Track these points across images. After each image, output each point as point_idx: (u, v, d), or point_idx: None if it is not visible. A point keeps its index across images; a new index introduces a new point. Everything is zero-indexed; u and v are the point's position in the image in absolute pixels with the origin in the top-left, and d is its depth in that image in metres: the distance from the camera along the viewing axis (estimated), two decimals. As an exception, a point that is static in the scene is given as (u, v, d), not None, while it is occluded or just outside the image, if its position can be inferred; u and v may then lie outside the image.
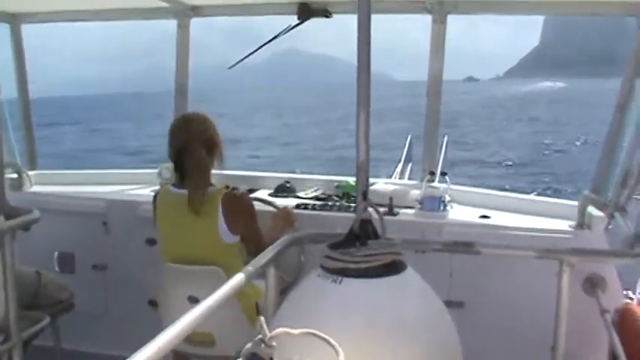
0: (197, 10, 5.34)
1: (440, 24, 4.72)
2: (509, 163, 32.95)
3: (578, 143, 40.66)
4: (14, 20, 5.56)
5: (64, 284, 4.24)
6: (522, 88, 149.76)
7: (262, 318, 1.65)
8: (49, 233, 4.40)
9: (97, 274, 4.93)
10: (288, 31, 5.08)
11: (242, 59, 5.35)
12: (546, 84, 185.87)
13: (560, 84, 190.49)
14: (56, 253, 4.99)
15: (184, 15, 5.35)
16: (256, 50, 5.25)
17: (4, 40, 5.62)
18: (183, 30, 5.41)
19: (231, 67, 5.49)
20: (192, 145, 3.52)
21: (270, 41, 5.15)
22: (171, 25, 5.43)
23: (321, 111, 76.87)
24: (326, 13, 4.93)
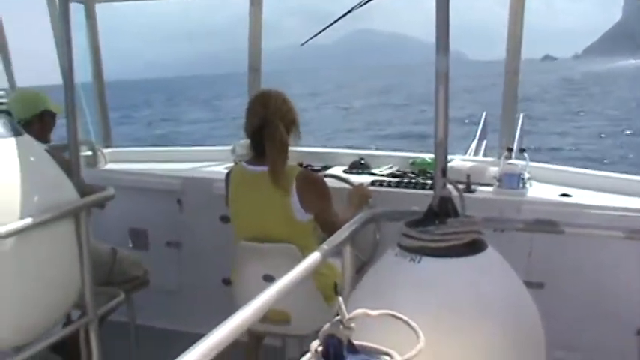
0: None
1: None
2: (590, 142, 32.29)
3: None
4: (88, 0, 5.61)
5: (138, 261, 4.28)
6: (603, 66, 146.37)
7: (341, 298, 1.60)
8: (124, 210, 4.44)
9: (171, 251, 4.97)
10: (362, 5, 5.00)
11: (315, 35, 5.25)
12: (630, 61, 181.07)
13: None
14: (130, 230, 5.04)
15: None
16: (329, 26, 5.15)
17: (80, 21, 5.66)
18: (255, 7, 5.38)
19: (303, 44, 5.41)
20: (272, 122, 3.48)
21: (343, 16, 5.04)
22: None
23: (395, 92, 76.49)
24: (401, -13, 4.84)
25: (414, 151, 5.32)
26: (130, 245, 4.99)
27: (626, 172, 4.71)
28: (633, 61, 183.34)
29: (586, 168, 4.92)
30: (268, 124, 3.48)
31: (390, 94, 73.29)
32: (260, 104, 3.57)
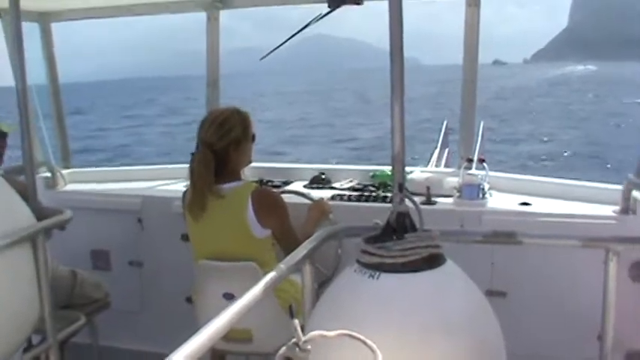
0: (226, 2, 5.29)
1: (474, 7, 4.63)
2: (547, 149, 32.58)
3: (614, 126, 40.15)
4: (43, 19, 5.55)
5: (99, 283, 4.25)
6: (553, 71, 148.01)
7: (296, 321, 1.59)
8: (85, 231, 4.40)
9: (133, 270, 4.93)
10: (319, 19, 5.01)
11: (273, 50, 5.28)
12: (578, 67, 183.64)
13: (591, 67, 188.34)
14: (91, 251, 5.00)
15: (213, 7, 5.30)
16: (287, 40, 5.17)
17: (34, 39, 5.60)
18: (212, 22, 5.37)
19: (263, 58, 5.43)
20: (202, 147, 3.57)
21: (300, 31, 5.07)
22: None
23: (353, 97, 76.49)
24: (357, 1, 4.86)
25: (374, 163, 5.33)
26: (92, 266, 4.93)
27: (584, 179, 4.76)
28: (582, 67, 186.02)
29: (545, 176, 4.97)
30: (199, 148, 3.57)
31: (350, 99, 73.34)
32: (200, 128, 3.64)
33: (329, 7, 4.86)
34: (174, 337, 1.59)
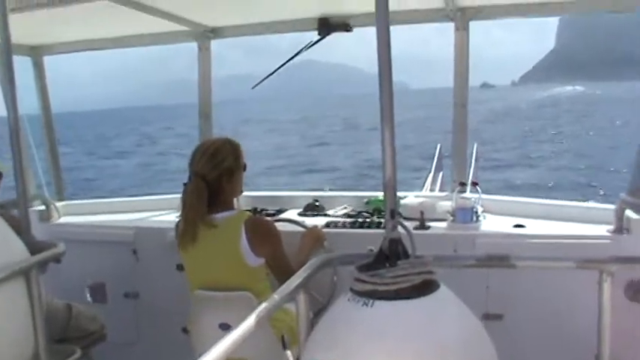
0: (217, 32, 5.33)
1: (462, 31, 4.67)
2: (538, 171, 32.61)
3: (604, 147, 40.26)
4: (36, 53, 5.58)
5: (95, 315, 4.23)
6: (541, 93, 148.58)
7: (289, 352, 1.59)
8: (80, 264, 4.40)
9: (129, 302, 4.91)
10: (310, 47, 5.06)
11: (265, 77, 5.33)
12: (566, 88, 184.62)
13: (579, 88, 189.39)
14: (87, 284, 4.98)
15: (205, 37, 5.34)
16: (278, 68, 5.22)
17: (26, 73, 5.63)
18: (204, 52, 5.40)
19: (255, 87, 5.47)
20: (194, 178, 3.58)
21: (291, 59, 5.12)
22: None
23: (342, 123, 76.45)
24: (346, 27, 4.90)
25: (367, 190, 5.35)
26: (89, 299, 4.91)
27: (577, 199, 4.78)
28: (570, 88, 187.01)
29: (538, 197, 4.99)
30: (191, 179, 3.59)
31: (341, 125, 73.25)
32: (191, 157, 3.66)
33: (319, 34, 4.91)
34: None
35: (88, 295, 4.97)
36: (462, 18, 4.64)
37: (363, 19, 4.81)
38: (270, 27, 5.23)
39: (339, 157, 40.86)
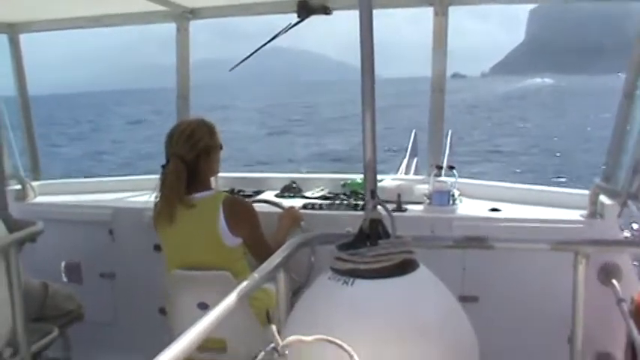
0: (196, 13, 5.30)
1: (442, 16, 4.67)
2: (511, 159, 32.77)
3: (575, 136, 40.58)
4: (12, 30, 5.53)
5: (71, 294, 4.22)
6: (511, 85, 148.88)
7: (274, 326, 1.61)
8: (55, 243, 4.37)
9: (105, 282, 4.90)
10: (288, 29, 5.04)
11: (243, 60, 5.30)
12: (536, 80, 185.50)
13: (548, 80, 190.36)
14: (63, 263, 4.96)
15: (183, 18, 5.31)
16: (256, 50, 5.19)
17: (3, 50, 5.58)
18: (182, 33, 5.37)
19: (232, 69, 5.45)
20: (172, 159, 3.59)
21: (270, 41, 5.10)
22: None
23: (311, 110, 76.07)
24: (326, 11, 4.88)
25: (344, 172, 5.37)
26: (64, 279, 4.90)
27: (551, 184, 4.82)
28: (539, 80, 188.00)
29: (513, 182, 5.03)
30: (169, 160, 3.60)
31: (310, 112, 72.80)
32: (167, 139, 3.67)
33: (298, 17, 4.89)
34: (148, 349, 1.60)
35: (63, 275, 4.95)
36: (441, 3, 4.65)
37: (342, 2, 4.80)
38: (250, 9, 5.21)
39: (299, 147, 40.59)
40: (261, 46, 5.16)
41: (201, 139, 3.64)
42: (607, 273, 3.71)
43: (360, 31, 2.16)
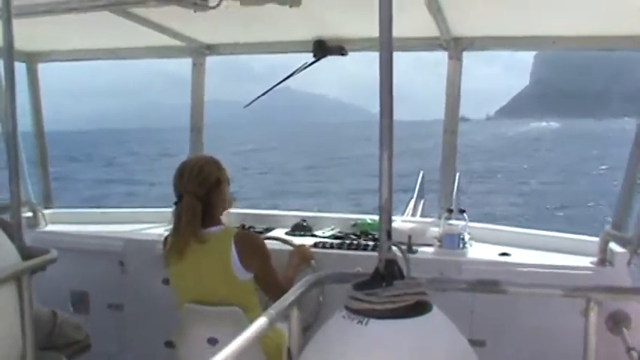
0: (212, 48, 5.37)
1: (456, 60, 4.73)
2: (519, 203, 32.71)
3: (583, 181, 40.56)
4: (30, 59, 5.60)
5: (79, 324, 4.21)
6: (516, 128, 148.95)
7: None
8: (64, 272, 4.37)
9: (113, 313, 4.90)
10: (304, 68, 5.09)
11: (258, 97, 5.35)
12: (541, 124, 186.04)
13: (554, 124, 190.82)
14: (70, 293, 4.96)
15: (200, 53, 5.38)
16: (272, 88, 5.26)
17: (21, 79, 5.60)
18: (198, 68, 5.44)
19: (247, 106, 5.49)
20: (185, 195, 3.61)
21: (286, 79, 5.16)
22: (160, 63, 5.44)
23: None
24: (342, 51, 4.95)
25: (354, 213, 5.38)
26: (71, 309, 4.90)
27: (561, 230, 4.83)
28: (544, 124, 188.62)
29: (524, 227, 5.04)
30: (182, 196, 3.62)
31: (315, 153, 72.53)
32: (177, 176, 3.69)
33: (314, 57, 4.94)
34: None
35: (70, 305, 4.96)
36: (455, 47, 4.71)
37: (358, 44, 4.86)
38: (266, 47, 5.28)
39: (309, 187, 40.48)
40: (277, 84, 5.22)
41: (210, 173, 3.67)
42: (616, 321, 3.71)
43: (380, 72, 2.17)
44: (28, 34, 4.65)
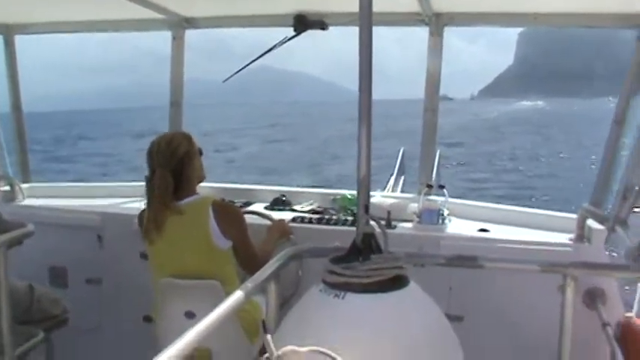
0: (192, 22, 5.33)
1: (437, 36, 4.71)
2: (501, 181, 32.81)
3: (564, 157, 40.78)
4: (7, 31, 5.53)
5: (57, 298, 4.19)
6: (501, 107, 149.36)
7: (269, 336, 1.61)
8: (42, 247, 4.35)
9: (91, 288, 4.87)
10: (284, 42, 5.06)
11: (237, 71, 5.32)
12: (527, 103, 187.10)
13: (540, 102, 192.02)
14: (48, 267, 4.94)
15: (179, 26, 5.33)
16: (252, 62, 5.23)
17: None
18: (177, 42, 5.39)
19: (226, 80, 5.46)
20: (156, 170, 3.62)
21: (266, 53, 5.13)
22: (145, 41, 5.40)
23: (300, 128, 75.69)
24: (322, 25, 4.91)
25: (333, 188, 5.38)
26: (48, 283, 4.87)
27: (540, 207, 4.85)
28: (529, 103, 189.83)
29: (502, 204, 5.06)
30: (153, 172, 3.63)
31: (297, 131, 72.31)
32: (148, 152, 3.70)
33: (294, 31, 4.91)
34: (132, 357, 1.59)
35: (48, 279, 4.93)
36: (436, 23, 4.69)
37: (339, 18, 4.83)
38: (246, 20, 5.24)
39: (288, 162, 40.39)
40: (256, 59, 5.19)
41: (180, 144, 3.68)
42: (593, 297, 3.74)
43: (359, 47, 2.16)
44: (4, 4, 4.59)
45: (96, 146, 55.29)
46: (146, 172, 3.69)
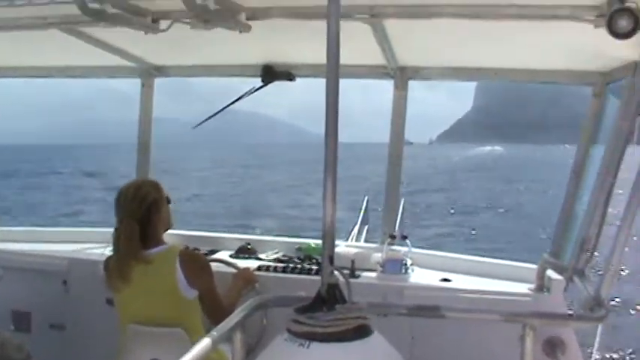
0: (162, 70, 5.37)
1: (401, 90, 4.80)
2: (461, 229, 32.87)
3: (525, 207, 40.98)
4: None
5: (21, 344, 4.14)
6: (463, 152, 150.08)
7: None
8: (6, 291, 4.33)
9: (55, 333, 4.84)
10: (251, 93, 5.12)
11: (207, 119, 5.37)
12: (486, 148, 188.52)
13: (498, 148, 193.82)
14: (11, 311, 4.90)
15: (149, 74, 5.37)
16: (221, 110, 5.29)
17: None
18: (147, 89, 5.43)
19: (196, 127, 5.51)
20: (122, 220, 3.64)
21: (233, 102, 5.19)
22: (106, 82, 5.43)
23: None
24: (289, 77, 4.99)
25: (299, 237, 5.41)
26: (12, 328, 4.83)
27: (502, 258, 4.91)
28: (489, 148, 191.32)
29: (465, 254, 5.12)
30: (121, 221, 3.64)
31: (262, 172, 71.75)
32: (115, 200, 3.71)
33: (262, 81, 4.99)
34: None
35: (11, 324, 4.89)
36: (401, 76, 4.78)
37: (306, 70, 4.91)
38: (215, 70, 5.30)
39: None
40: (225, 107, 5.26)
41: (147, 193, 3.70)
42: (553, 346, 3.81)
43: (326, 98, 2.22)
44: None
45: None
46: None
